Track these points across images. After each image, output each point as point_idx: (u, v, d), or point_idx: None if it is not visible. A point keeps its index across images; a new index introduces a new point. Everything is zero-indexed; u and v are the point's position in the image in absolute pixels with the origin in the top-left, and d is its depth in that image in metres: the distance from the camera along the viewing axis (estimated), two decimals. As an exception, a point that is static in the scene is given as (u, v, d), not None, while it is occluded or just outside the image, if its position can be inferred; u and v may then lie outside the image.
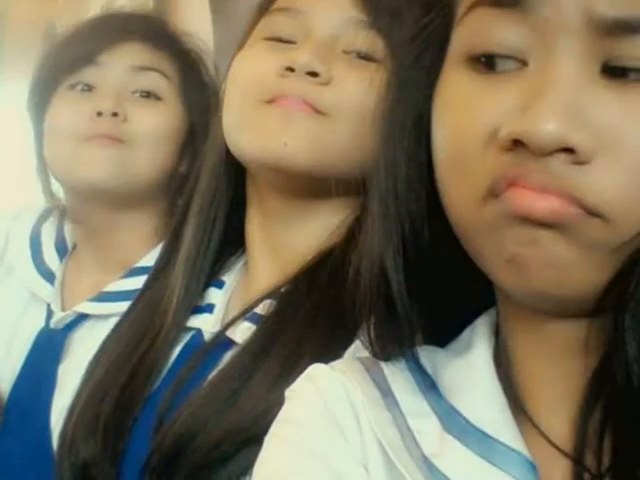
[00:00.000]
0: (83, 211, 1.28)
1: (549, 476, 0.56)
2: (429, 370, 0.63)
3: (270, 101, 0.92)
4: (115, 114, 1.22)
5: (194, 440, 0.86)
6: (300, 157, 0.90)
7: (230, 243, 1.02)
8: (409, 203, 0.61)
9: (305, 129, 0.90)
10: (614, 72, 0.52)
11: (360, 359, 0.65)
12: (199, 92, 1.29)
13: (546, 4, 0.52)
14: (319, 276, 0.91)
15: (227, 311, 0.99)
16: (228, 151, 0.97)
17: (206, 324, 0.98)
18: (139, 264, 1.24)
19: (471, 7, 0.56)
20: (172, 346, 0.99)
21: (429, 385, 0.62)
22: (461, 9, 0.57)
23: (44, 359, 1.23)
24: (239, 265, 1.03)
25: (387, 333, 0.63)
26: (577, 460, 0.54)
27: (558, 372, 0.58)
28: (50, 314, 1.26)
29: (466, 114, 0.55)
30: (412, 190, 0.61)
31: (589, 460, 0.54)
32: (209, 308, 1.00)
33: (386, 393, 0.61)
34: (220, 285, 1.01)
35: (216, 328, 0.97)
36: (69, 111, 1.25)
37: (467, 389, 0.60)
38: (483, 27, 0.55)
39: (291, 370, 0.80)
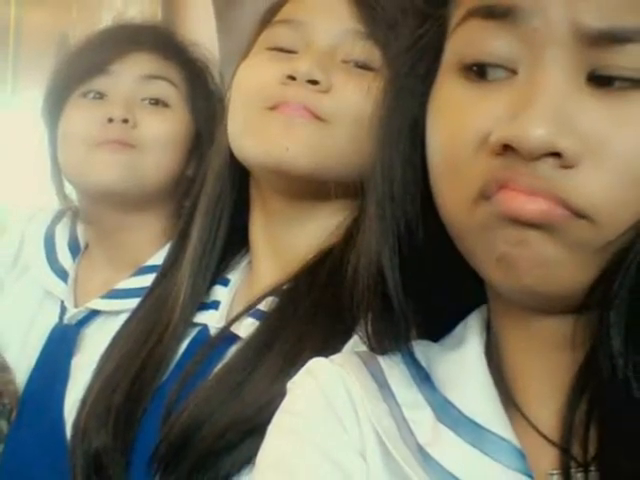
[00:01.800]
0: (95, 212, 1.28)
1: (537, 464, 0.56)
2: (424, 364, 0.63)
3: (272, 108, 0.92)
4: (125, 120, 1.22)
5: (200, 430, 0.86)
6: (301, 161, 0.90)
7: (234, 243, 1.02)
8: (404, 205, 0.61)
9: (306, 134, 0.90)
10: (600, 81, 0.52)
11: (358, 353, 0.65)
12: (205, 99, 1.29)
13: (535, 16, 0.52)
14: (319, 274, 0.91)
15: (232, 308, 0.99)
16: (232, 155, 0.97)
17: (212, 320, 0.98)
18: (148, 263, 1.23)
19: (464, 18, 0.56)
20: (179, 341, 0.99)
21: (424, 378, 0.62)
22: (454, 20, 0.57)
23: (58, 353, 1.23)
24: (243, 264, 1.03)
25: (384, 329, 0.63)
26: (564, 449, 0.54)
27: (546, 366, 0.58)
28: (63, 311, 1.26)
29: (459, 120, 0.55)
30: (407, 192, 0.61)
31: (575, 449, 0.54)
32: (215, 305, 1.00)
33: (383, 385, 0.62)
34: (225, 283, 1.01)
35: (221, 324, 0.97)
36: (81, 118, 1.25)
37: (460, 382, 0.60)
38: (475, 38, 0.55)
39: (292, 364, 0.80)
